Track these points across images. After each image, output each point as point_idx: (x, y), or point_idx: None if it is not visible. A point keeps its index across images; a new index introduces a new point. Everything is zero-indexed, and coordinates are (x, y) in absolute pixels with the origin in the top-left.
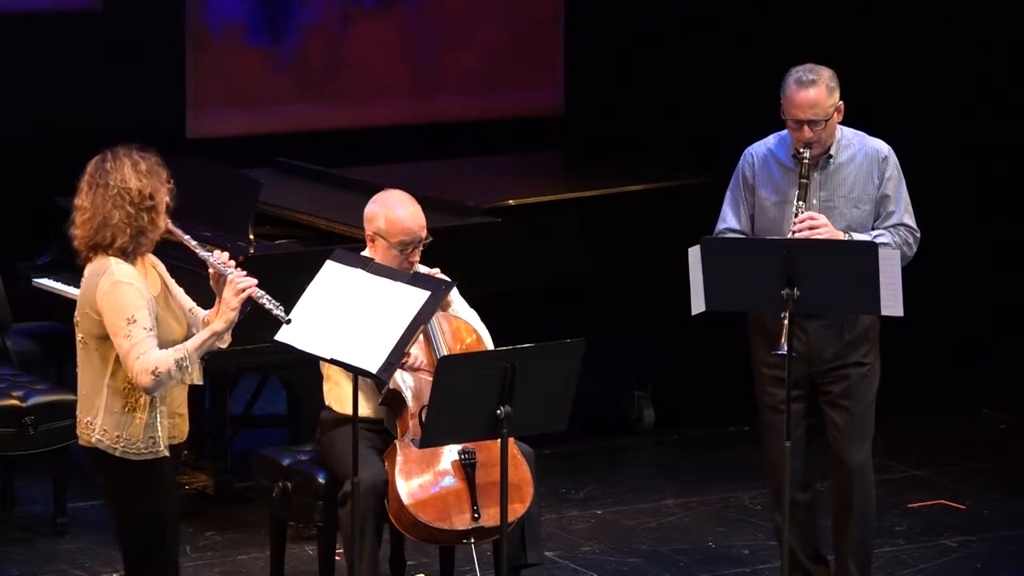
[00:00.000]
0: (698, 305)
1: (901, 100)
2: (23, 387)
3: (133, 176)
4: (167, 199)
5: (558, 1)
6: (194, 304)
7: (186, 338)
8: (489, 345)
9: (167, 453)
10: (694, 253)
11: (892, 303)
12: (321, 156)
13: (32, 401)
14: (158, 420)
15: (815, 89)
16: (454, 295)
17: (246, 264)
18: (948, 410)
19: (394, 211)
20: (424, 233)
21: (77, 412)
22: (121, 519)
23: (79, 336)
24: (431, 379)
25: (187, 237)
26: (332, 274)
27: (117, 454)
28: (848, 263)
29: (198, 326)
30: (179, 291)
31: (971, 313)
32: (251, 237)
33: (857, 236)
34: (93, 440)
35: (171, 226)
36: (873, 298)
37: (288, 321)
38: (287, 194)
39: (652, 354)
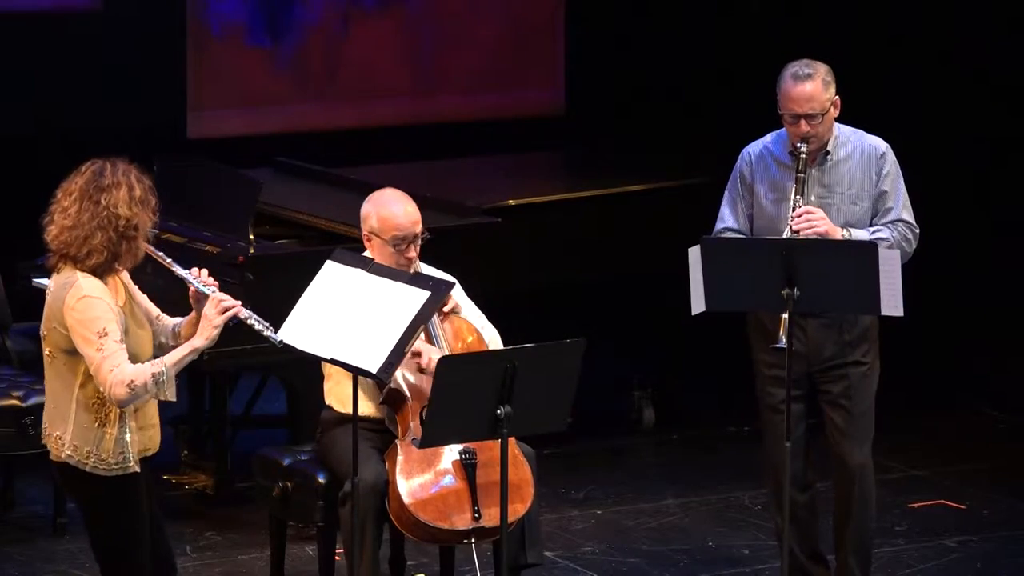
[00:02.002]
0: (698, 305)
1: (901, 98)
2: (23, 387)
3: (126, 203)
4: (148, 231)
5: (558, 1)
6: (160, 312)
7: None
8: (498, 346)
9: (137, 468)
10: (694, 253)
11: (892, 303)
12: (321, 156)
13: (32, 401)
14: (128, 435)
15: (811, 83)
16: (461, 298)
17: (246, 264)
18: (948, 410)
19: (387, 208)
20: (419, 229)
21: (45, 425)
22: (94, 531)
23: (46, 350)
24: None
25: (163, 255)
26: (332, 274)
27: (87, 470)
28: (848, 263)
29: (167, 335)
30: (143, 299)
31: (971, 313)
32: (251, 237)
33: (856, 232)
34: (63, 456)
35: (147, 247)
36: (873, 298)
37: (280, 343)
38: (287, 194)
39: (652, 354)
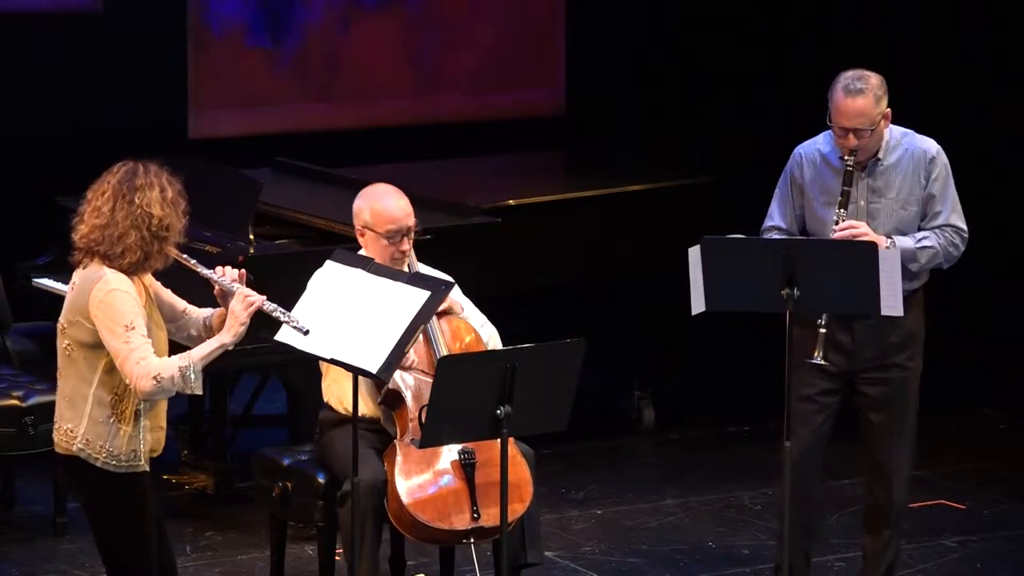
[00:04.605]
0: (698, 305)
1: (897, 98)
2: (23, 387)
3: (159, 203)
4: (179, 233)
5: (558, 1)
6: (188, 305)
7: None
8: (497, 345)
9: (147, 468)
10: (694, 253)
11: (892, 303)
12: (321, 156)
13: (32, 401)
14: (141, 434)
15: (863, 98)
16: (461, 298)
17: (246, 264)
18: (948, 410)
19: (379, 202)
20: (411, 221)
21: (55, 418)
22: (100, 529)
23: (63, 343)
24: (430, 379)
25: (190, 259)
26: (332, 274)
27: (98, 465)
28: (848, 263)
29: (197, 328)
30: (168, 294)
31: (971, 313)
32: (251, 237)
33: (900, 241)
34: (74, 449)
35: (172, 250)
36: (873, 298)
37: (307, 332)
38: (287, 194)
39: (652, 354)
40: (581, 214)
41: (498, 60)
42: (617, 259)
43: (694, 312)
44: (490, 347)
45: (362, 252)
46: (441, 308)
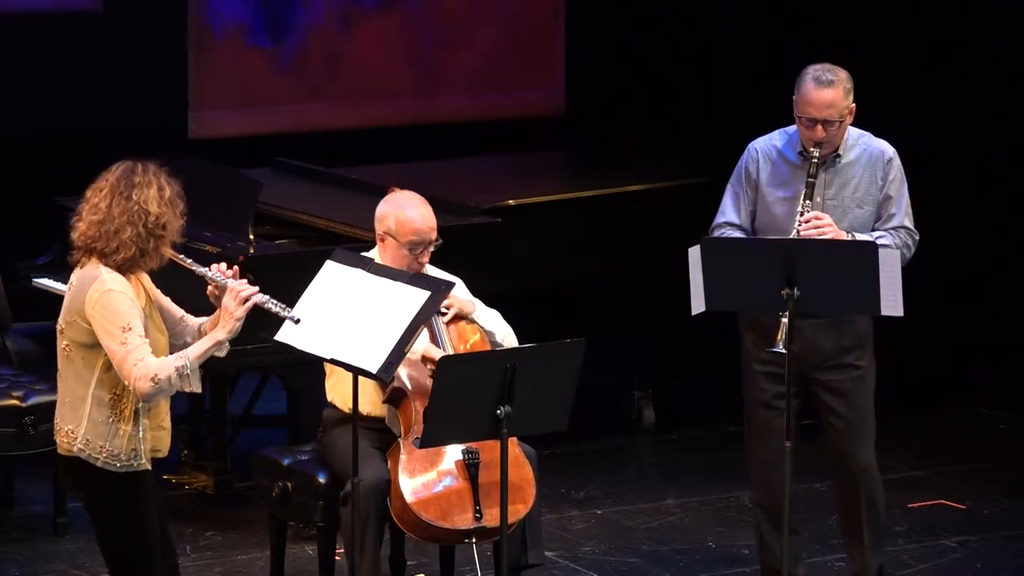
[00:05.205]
0: (698, 305)
1: (897, 98)
2: (23, 387)
3: (156, 200)
4: (175, 232)
5: (558, 1)
6: (184, 313)
7: (171, 350)
8: (513, 343)
9: (148, 467)
10: (694, 253)
11: (892, 303)
12: (321, 156)
13: (32, 401)
14: (141, 433)
15: (832, 90)
16: (470, 298)
17: (246, 264)
18: (948, 410)
19: (405, 211)
20: (434, 235)
21: (56, 419)
22: (102, 530)
23: (62, 344)
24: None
25: (185, 258)
26: (332, 274)
27: (99, 464)
28: (848, 263)
29: (192, 335)
30: (166, 301)
31: (970, 312)
32: (251, 237)
33: (859, 236)
34: (75, 449)
35: (168, 250)
36: (873, 298)
37: (297, 321)
38: (287, 194)
39: (652, 354)
40: (581, 214)
41: (498, 60)
42: (617, 259)
43: (694, 312)
44: (506, 345)
45: (371, 253)
46: (454, 314)
